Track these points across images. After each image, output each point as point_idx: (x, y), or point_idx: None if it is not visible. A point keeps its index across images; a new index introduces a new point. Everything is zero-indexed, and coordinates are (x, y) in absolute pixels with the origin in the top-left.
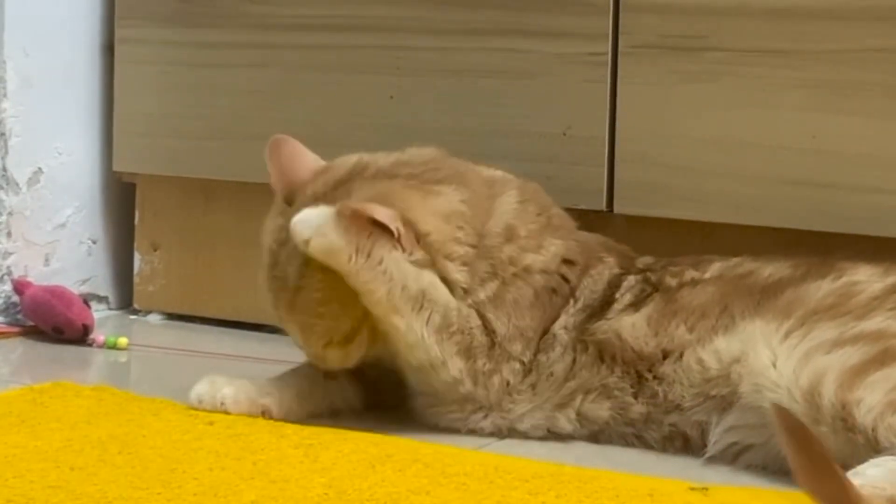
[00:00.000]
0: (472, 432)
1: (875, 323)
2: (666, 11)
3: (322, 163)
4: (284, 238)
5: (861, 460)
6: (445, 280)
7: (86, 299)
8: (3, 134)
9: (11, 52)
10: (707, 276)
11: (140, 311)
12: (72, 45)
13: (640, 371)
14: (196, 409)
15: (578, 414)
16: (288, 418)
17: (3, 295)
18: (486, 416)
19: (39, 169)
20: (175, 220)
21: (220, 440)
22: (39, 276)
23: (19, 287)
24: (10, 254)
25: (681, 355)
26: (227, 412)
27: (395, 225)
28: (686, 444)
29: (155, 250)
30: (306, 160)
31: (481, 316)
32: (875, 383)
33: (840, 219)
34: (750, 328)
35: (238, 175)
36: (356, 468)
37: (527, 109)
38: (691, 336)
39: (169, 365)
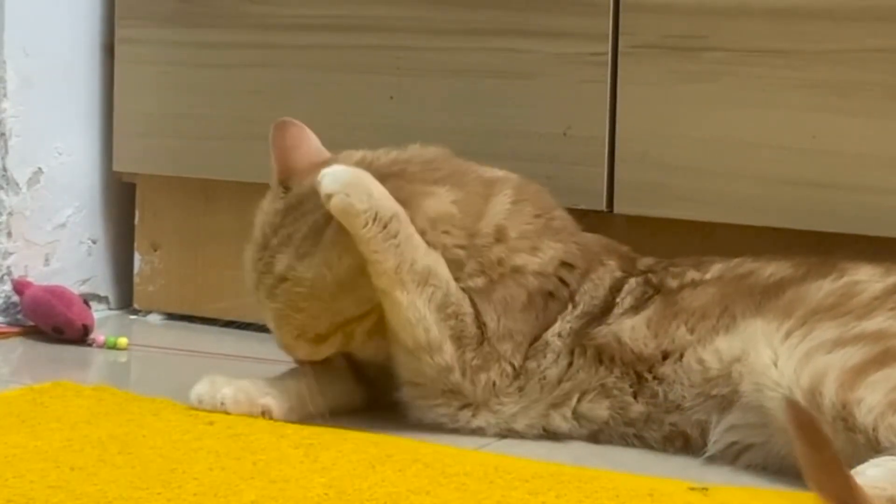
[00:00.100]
0: (462, 431)
1: (876, 323)
2: (666, 11)
3: (326, 153)
4: (279, 223)
5: (861, 460)
6: None
7: (86, 299)
8: (3, 134)
9: (11, 52)
10: (708, 276)
11: (140, 311)
12: (72, 45)
13: (640, 372)
14: (196, 409)
15: (575, 413)
16: (288, 418)
17: (3, 295)
18: (474, 415)
19: (39, 169)
20: (175, 220)
21: (220, 440)
22: (39, 276)
23: (19, 287)
24: (10, 254)
25: (681, 356)
26: (226, 412)
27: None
28: (686, 443)
29: (155, 250)
30: (310, 147)
31: (473, 304)
32: (876, 383)
33: (840, 219)
34: (751, 328)
35: (238, 175)
36: (356, 468)
37: (527, 109)
38: (692, 337)
39: (169, 365)
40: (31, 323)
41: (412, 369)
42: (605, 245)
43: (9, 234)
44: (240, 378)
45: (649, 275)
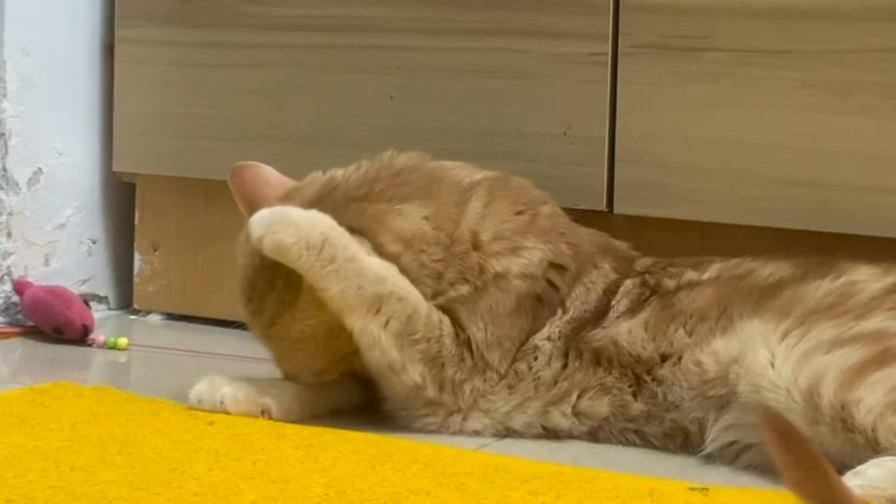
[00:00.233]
0: (460, 433)
1: (874, 323)
2: (666, 11)
3: (290, 183)
4: (259, 264)
5: (861, 460)
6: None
7: (86, 299)
8: (3, 134)
9: (11, 52)
10: (705, 277)
11: (140, 311)
12: (72, 45)
13: (639, 374)
14: (196, 409)
15: (575, 410)
16: (288, 418)
17: (3, 295)
18: (465, 419)
19: (39, 169)
20: (175, 220)
21: (220, 440)
22: (39, 276)
23: (19, 287)
24: (10, 254)
25: (679, 358)
26: (226, 412)
27: None
28: (686, 440)
29: (155, 250)
30: (270, 184)
31: (455, 321)
32: (875, 383)
33: (840, 219)
34: (748, 328)
35: None
36: (356, 468)
37: (527, 109)
38: (690, 339)
39: (169, 365)
40: (31, 323)
41: (385, 387)
42: (601, 244)
43: (9, 235)
44: (239, 378)
45: (646, 276)
